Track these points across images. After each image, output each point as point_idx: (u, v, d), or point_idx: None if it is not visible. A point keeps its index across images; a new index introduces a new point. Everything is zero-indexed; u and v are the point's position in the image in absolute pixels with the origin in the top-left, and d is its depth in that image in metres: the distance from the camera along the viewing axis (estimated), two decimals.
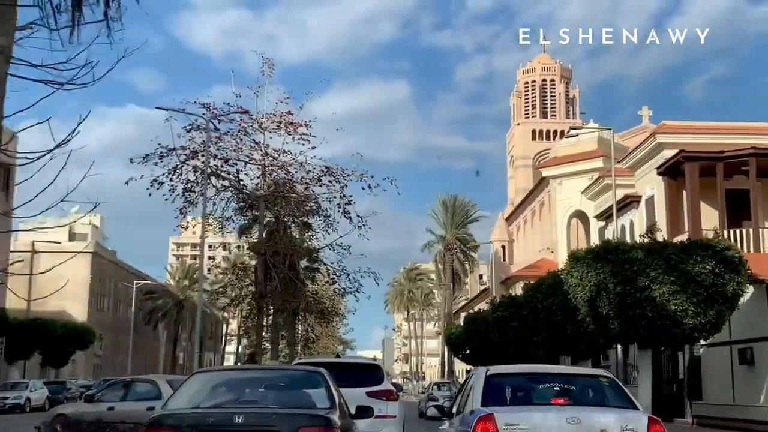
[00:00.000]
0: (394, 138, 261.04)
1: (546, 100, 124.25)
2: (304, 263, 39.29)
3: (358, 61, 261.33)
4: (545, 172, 48.71)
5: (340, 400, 8.46)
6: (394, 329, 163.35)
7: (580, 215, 47.37)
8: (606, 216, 41.16)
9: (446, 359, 72.84)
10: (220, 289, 36.70)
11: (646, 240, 22.37)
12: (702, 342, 25.50)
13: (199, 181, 33.35)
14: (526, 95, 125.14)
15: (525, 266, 70.65)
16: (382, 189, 36.24)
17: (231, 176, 34.88)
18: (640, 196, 37.63)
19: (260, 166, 36.17)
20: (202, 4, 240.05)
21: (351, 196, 36.41)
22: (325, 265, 37.58)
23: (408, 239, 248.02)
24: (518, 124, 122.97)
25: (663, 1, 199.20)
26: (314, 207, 36.59)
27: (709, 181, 33.23)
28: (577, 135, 32.66)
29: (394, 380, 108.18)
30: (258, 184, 36.89)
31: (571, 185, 46.55)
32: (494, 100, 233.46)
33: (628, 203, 38.12)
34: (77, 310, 62.23)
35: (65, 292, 64.16)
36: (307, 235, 40.51)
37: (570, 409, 8.60)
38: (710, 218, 32.77)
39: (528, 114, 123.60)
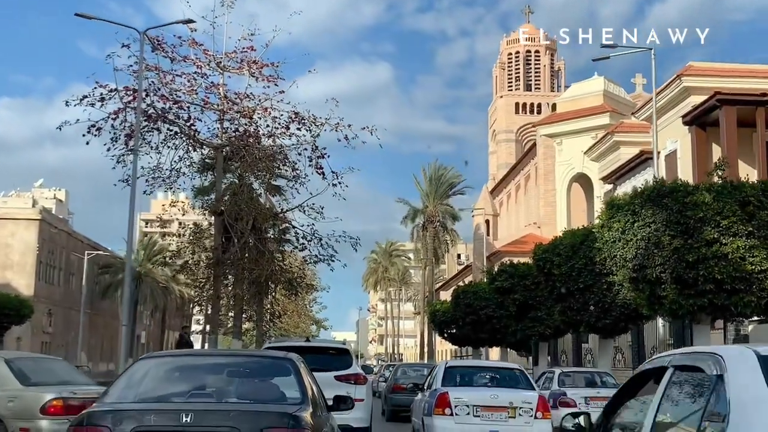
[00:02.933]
0: (374, 121, 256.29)
1: (530, 72, 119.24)
2: (272, 234, 34.03)
3: (341, 43, 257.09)
4: (543, 131, 43.50)
5: (313, 390, 7.27)
6: (369, 310, 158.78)
7: (582, 179, 42.34)
8: (615, 177, 36.19)
9: (426, 339, 67.81)
10: (170, 254, 31.35)
11: (714, 178, 17.32)
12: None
13: (141, 121, 27.97)
14: (509, 67, 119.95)
15: (511, 242, 65.98)
16: (360, 141, 31.14)
17: (181, 121, 29.46)
18: (659, 152, 32.64)
19: (218, 112, 30.84)
20: None
21: (324, 148, 31.25)
22: (294, 228, 32.36)
23: (386, 222, 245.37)
24: (501, 97, 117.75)
25: None
26: (281, 164, 31.32)
27: (742, 133, 28.45)
28: (608, 57, 27.55)
29: (368, 361, 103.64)
30: (216, 133, 31.67)
31: (573, 145, 41.43)
32: (475, 85, 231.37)
33: (644, 160, 33.13)
34: (23, 282, 56.47)
35: (10, 262, 58.73)
36: (275, 197, 35.38)
37: (494, 389, 13.98)
38: (745, 176, 27.94)
39: (511, 86, 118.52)
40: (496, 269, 28.58)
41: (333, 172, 31.09)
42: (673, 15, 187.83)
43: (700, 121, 28.86)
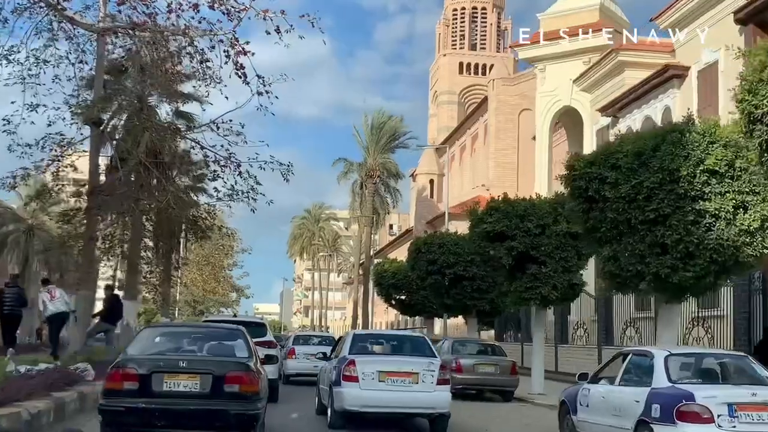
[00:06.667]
0: (312, 93, 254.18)
1: (476, 30, 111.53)
2: (171, 153, 25.43)
3: (281, 73, 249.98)
4: (523, 53, 35.38)
5: (255, 350, 10.77)
6: (294, 280, 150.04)
7: (568, 115, 34.55)
8: (620, 107, 28.55)
9: (361, 310, 59.74)
10: (21, 173, 22.19)
11: None
12: None
13: None
14: (453, 24, 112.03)
15: (458, 204, 58.42)
16: (298, 36, 22.74)
17: None
18: (688, 68, 25.11)
19: None
20: None
21: (247, 42, 22.74)
22: (203, 148, 23.76)
23: (319, 196, 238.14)
24: (444, 56, 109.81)
25: None
26: (186, 52, 22.73)
27: None
28: None
29: (290, 333, 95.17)
30: (99, 21, 22.91)
31: (559, 73, 33.47)
32: (413, 62, 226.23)
33: (668, 78, 25.50)
34: None
35: None
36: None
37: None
38: None
39: (455, 45, 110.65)
40: (481, 209, 20.54)
41: (258, 76, 22.65)
42: None
43: (760, 18, 21.28)
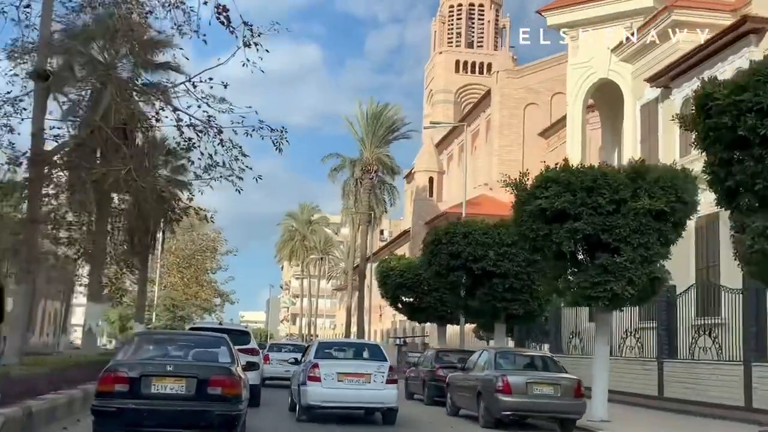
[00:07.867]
0: (301, 102, 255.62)
1: (473, 27, 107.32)
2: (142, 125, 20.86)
3: (272, 21, 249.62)
4: (552, 20, 30.68)
5: (237, 357, 11.30)
6: (281, 287, 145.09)
7: (602, 92, 30.03)
8: (673, 75, 24.07)
9: (356, 317, 54.98)
10: None
11: None
12: None
13: None
14: (450, 21, 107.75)
15: (457, 204, 53.95)
16: None
17: None
18: (759, 30, 20.70)
19: None
20: None
21: None
22: (176, 111, 19.18)
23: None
24: (440, 53, 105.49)
25: None
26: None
27: None
28: None
29: (274, 341, 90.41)
30: None
31: (595, 42, 28.96)
32: (402, 71, 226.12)
33: (743, 34, 21.09)
34: None
35: None
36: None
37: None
38: None
39: (452, 42, 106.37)
40: (529, 181, 15.99)
41: (246, 24, 18.31)
42: None
43: None
